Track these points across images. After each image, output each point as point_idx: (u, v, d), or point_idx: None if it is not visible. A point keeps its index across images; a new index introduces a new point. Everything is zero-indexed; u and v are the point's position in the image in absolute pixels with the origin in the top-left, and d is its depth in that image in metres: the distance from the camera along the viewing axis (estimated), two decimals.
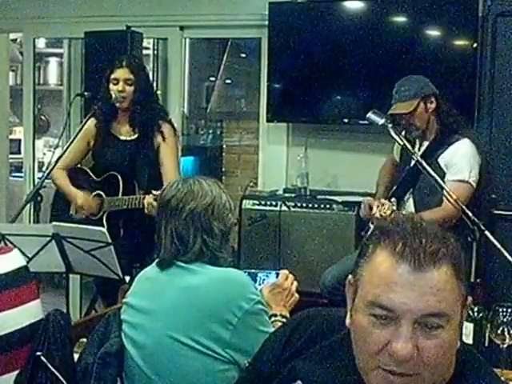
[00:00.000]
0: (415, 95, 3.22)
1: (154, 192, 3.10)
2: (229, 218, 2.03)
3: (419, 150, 3.29)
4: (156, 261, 2.03)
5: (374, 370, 1.14)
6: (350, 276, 1.22)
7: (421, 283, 1.10)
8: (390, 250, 1.13)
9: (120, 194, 3.46)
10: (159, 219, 2.03)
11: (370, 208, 3.38)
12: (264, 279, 2.34)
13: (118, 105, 3.51)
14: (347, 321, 1.22)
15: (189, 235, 1.96)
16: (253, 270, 2.37)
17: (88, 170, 3.68)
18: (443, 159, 3.20)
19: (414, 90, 3.23)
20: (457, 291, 1.13)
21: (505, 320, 2.07)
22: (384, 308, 1.11)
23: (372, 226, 3.33)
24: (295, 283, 2.21)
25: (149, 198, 3.16)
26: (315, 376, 1.26)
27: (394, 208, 3.10)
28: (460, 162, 3.16)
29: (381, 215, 3.14)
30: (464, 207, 2.77)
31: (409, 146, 3.09)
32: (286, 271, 2.25)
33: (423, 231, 1.13)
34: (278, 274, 2.25)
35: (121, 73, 3.50)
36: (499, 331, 2.07)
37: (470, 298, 1.18)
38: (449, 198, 2.87)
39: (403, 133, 3.29)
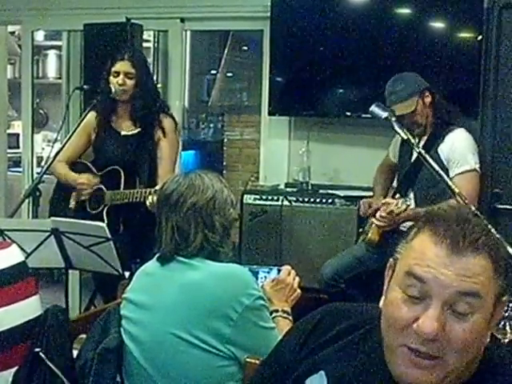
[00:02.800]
0: (413, 92, 3.19)
1: (157, 188, 3.09)
2: (230, 212, 2.02)
3: (418, 144, 3.27)
4: (156, 256, 2.02)
5: (400, 348, 1.14)
6: (390, 259, 1.23)
7: (456, 265, 1.11)
8: (431, 232, 1.15)
9: (121, 189, 3.43)
10: (159, 213, 2.02)
11: (370, 207, 3.37)
12: (265, 276, 2.33)
13: (117, 98, 3.48)
14: (381, 302, 1.22)
15: (190, 230, 1.95)
16: (254, 266, 2.35)
17: (89, 164, 3.65)
18: (442, 151, 3.18)
19: (409, 88, 3.20)
20: (492, 282, 1.13)
21: (506, 314, 2.04)
22: (418, 278, 1.12)
23: (373, 221, 3.30)
24: (297, 279, 2.20)
25: (151, 198, 3.14)
26: (339, 368, 1.26)
27: (409, 203, 3.09)
28: (461, 153, 3.14)
29: (397, 213, 3.10)
30: (467, 201, 2.73)
31: (412, 140, 3.05)
32: (288, 267, 2.24)
33: (467, 220, 1.15)
34: (279, 271, 2.24)
35: (122, 66, 3.47)
36: (500, 325, 2.05)
37: (505, 296, 1.17)
38: (456, 192, 2.83)
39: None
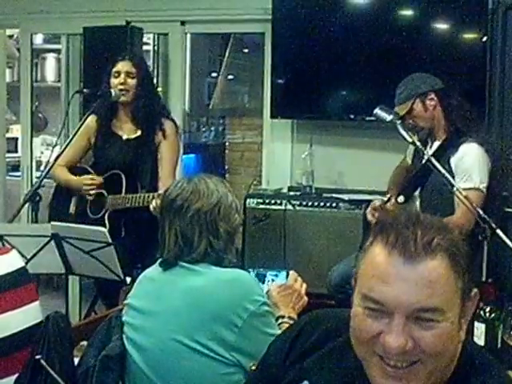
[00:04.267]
0: (408, 96, 3.16)
1: (160, 192, 3.08)
2: (235, 218, 2.00)
3: (430, 148, 3.23)
4: (159, 261, 2.00)
5: (372, 358, 1.13)
6: (353, 269, 1.21)
7: (413, 275, 1.08)
8: (384, 241, 1.12)
9: (123, 193, 3.40)
10: (163, 219, 2.00)
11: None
12: (272, 279, 2.31)
13: (121, 99, 3.45)
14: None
15: (194, 236, 1.93)
16: (261, 269, 2.33)
17: (89, 169, 3.64)
18: (453, 162, 3.12)
19: (407, 90, 3.17)
20: (453, 283, 1.10)
21: None
22: (376, 302, 1.11)
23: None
24: (304, 285, 2.19)
25: (155, 202, 3.11)
26: (323, 377, 1.25)
27: (385, 199, 3.04)
28: (469, 168, 3.07)
29: (373, 208, 3.07)
30: (478, 209, 2.70)
31: (418, 143, 3.02)
32: (295, 273, 2.22)
33: (418, 222, 1.12)
34: (287, 274, 2.22)
35: (123, 65, 3.47)
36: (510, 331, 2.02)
37: (475, 290, 1.16)
38: (462, 205, 2.81)
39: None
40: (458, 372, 1.15)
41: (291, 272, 2.23)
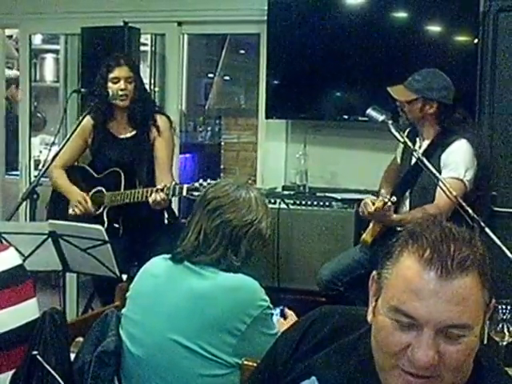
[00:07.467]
0: (417, 91, 3.14)
1: (159, 186, 3.14)
2: (259, 244, 1.99)
3: (420, 148, 3.24)
4: (171, 254, 1.98)
5: (393, 370, 1.13)
6: (374, 272, 1.21)
7: (447, 291, 1.08)
8: (418, 255, 1.11)
9: (122, 190, 3.43)
10: (195, 211, 1.99)
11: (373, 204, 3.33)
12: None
13: (118, 103, 3.48)
14: (369, 317, 1.21)
15: (214, 241, 1.92)
16: None
17: (87, 168, 3.65)
18: (442, 159, 3.15)
19: (421, 84, 3.13)
20: (481, 299, 1.12)
21: (504, 317, 2.05)
22: (408, 316, 1.11)
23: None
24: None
25: (154, 196, 3.14)
26: (331, 373, 1.25)
27: (386, 200, 3.05)
28: (456, 160, 3.11)
29: (375, 209, 3.07)
30: (463, 203, 2.74)
31: (409, 143, 3.05)
32: (289, 310, 2.25)
33: (452, 237, 1.12)
34: (282, 311, 2.25)
35: (121, 71, 3.48)
36: (498, 328, 2.06)
37: (493, 301, 1.17)
38: (444, 194, 2.84)
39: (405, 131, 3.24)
40: (469, 379, 1.16)
41: (286, 309, 2.26)
